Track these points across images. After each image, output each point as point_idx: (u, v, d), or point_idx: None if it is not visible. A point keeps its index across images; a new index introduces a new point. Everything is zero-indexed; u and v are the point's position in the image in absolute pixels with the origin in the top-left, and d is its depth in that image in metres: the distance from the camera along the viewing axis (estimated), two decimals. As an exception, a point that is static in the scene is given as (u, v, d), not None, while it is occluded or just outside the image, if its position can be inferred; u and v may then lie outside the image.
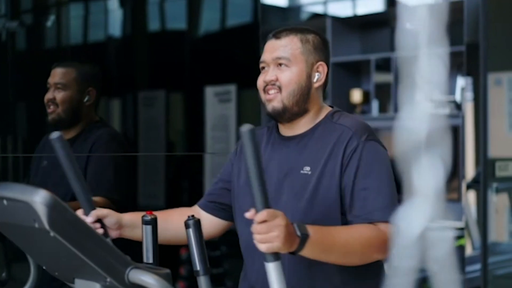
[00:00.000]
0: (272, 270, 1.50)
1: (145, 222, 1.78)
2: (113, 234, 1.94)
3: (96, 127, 2.88)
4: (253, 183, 1.47)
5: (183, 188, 4.72)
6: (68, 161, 1.75)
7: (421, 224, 0.84)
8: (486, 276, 3.93)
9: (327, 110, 1.98)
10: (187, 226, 1.69)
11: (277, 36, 1.94)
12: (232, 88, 4.53)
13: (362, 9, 8.24)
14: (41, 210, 1.34)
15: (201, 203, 2.12)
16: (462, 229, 5.42)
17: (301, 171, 1.88)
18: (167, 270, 1.52)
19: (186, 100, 4.76)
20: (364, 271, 1.86)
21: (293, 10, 8.58)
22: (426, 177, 0.83)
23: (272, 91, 1.91)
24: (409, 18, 0.81)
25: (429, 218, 0.84)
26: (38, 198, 1.35)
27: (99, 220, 1.89)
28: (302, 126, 1.94)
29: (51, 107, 2.81)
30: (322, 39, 1.98)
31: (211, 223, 2.07)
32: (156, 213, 1.97)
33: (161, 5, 4.84)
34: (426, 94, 0.81)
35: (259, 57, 1.96)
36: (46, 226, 1.35)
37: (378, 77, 5.18)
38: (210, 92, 4.59)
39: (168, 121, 4.70)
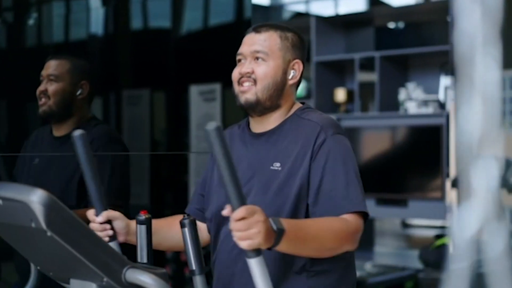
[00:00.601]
0: (255, 266, 1.48)
1: (139, 222, 1.77)
2: (120, 239, 1.92)
3: (91, 124, 2.80)
4: (226, 180, 1.44)
5: (168, 187, 4.70)
6: (87, 159, 1.73)
7: (476, 225, 0.84)
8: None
9: (297, 106, 2.00)
10: (182, 225, 1.68)
11: (257, 30, 1.96)
12: (217, 87, 4.51)
13: (344, 8, 8.27)
14: (38, 209, 1.33)
15: (190, 211, 2.09)
16: (445, 227, 5.46)
17: (271, 167, 1.89)
18: (164, 270, 1.52)
19: (170, 99, 4.75)
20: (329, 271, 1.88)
21: (275, 9, 8.58)
22: (481, 178, 0.83)
23: (246, 84, 1.92)
24: (465, 17, 0.81)
25: (484, 219, 0.84)
26: (35, 198, 1.33)
27: (109, 222, 1.87)
28: (272, 121, 1.96)
29: (43, 99, 2.76)
30: (301, 38, 2.01)
31: (205, 230, 2.05)
32: (159, 220, 1.97)
33: (145, 4, 4.82)
34: (482, 95, 0.81)
35: None
36: (43, 226, 1.34)
37: (362, 76, 5.20)
38: (194, 91, 4.57)
39: (152, 120, 4.69)
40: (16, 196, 1.36)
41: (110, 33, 4.77)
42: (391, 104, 5.12)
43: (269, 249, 1.58)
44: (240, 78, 1.93)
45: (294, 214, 1.82)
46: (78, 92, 2.78)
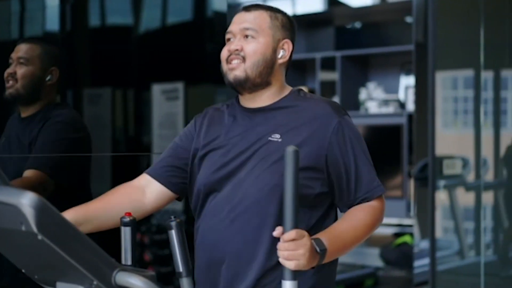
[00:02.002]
0: None
1: (123, 224, 1.74)
2: None
3: (56, 107, 2.78)
4: (286, 202, 1.53)
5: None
6: None
7: None
8: (434, 271, 4.01)
9: (290, 88, 1.99)
10: (169, 227, 1.65)
11: (247, 9, 1.95)
12: (179, 86, 4.48)
13: (301, 8, 8.29)
14: (29, 212, 1.29)
15: (152, 171, 2.00)
16: (404, 225, 5.51)
17: (269, 138, 1.86)
18: (152, 272, 1.50)
19: (132, 97, 4.70)
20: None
21: (232, 7, 8.56)
22: None
23: (235, 61, 1.90)
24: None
25: None
26: (26, 201, 1.30)
27: None
28: (265, 99, 1.93)
29: (10, 82, 2.68)
30: (290, 20, 1.99)
31: (158, 195, 1.96)
32: (96, 200, 1.91)
33: (105, 1, 4.76)
34: None
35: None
36: (34, 229, 1.30)
37: (323, 76, 5.23)
38: (157, 89, 4.54)
39: (113, 119, 4.64)
40: (5, 198, 1.33)
41: (68, 31, 4.70)
42: (352, 104, 5.16)
43: (312, 268, 1.68)
44: (228, 56, 1.91)
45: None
46: (48, 78, 2.73)
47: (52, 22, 4.65)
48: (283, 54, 1.94)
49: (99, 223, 1.86)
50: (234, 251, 1.82)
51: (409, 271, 4.93)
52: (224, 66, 1.92)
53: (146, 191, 1.95)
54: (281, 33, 1.94)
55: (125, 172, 4.55)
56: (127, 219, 1.74)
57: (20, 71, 2.69)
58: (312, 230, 1.80)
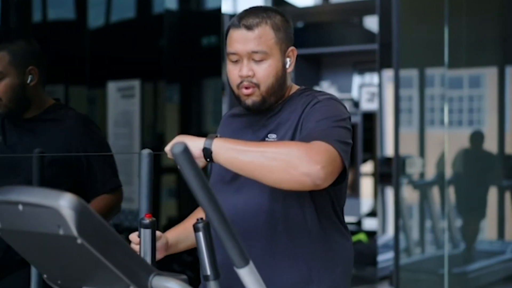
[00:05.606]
0: (245, 276, 1.41)
1: (143, 226, 1.67)
2: (159, 256, 1.84)
3: (60, 107, 2.61)
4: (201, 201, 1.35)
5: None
6: (148, 180, 1.75)
7: None
8: (398, 266, 4.05)
9: (295, 88, 1.95)
10: (196, 229, 1.59)
11: (248, 26, 1.84)
12: (136, 84, 4.39)
13: (242, 8, 8.26)
14: (69, 215, 1.21)
15: None
16: (358, 223, 5.56)
17: (266, 139, 1.86)
18: (184, 276, 1.44)
19: (86, 95, 4.59)
20: (331, 257, 1.85)
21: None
22: None
23: (249, 88, 1.84)
24: None
25: None
26: (65, 203, 1.21)
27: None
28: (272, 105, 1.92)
29: None
30: (287, 20, 1.92)
31: None
32: (179, 227, 1.98)
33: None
34: None
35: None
36: (75, 232, 1.23)
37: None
38: (112, 87, 4.44)
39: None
40: (41, 201, 1.24)
41: (15, 27, 4.55)
42: (306, 103, 5.17)
43: (210, 158, 1.66)
44: (241, 82, 1.85)
45: None
46: (29, 80, 2.52)
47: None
48: (290, 62, 1.89)
49: (187, 244, 1.95)
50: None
51: (364, 269, 4.97)
52: (236, 91, 1.87)
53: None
54: (286, 43, 1.88)
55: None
56: (147, 220, 1.67)
57: None
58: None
